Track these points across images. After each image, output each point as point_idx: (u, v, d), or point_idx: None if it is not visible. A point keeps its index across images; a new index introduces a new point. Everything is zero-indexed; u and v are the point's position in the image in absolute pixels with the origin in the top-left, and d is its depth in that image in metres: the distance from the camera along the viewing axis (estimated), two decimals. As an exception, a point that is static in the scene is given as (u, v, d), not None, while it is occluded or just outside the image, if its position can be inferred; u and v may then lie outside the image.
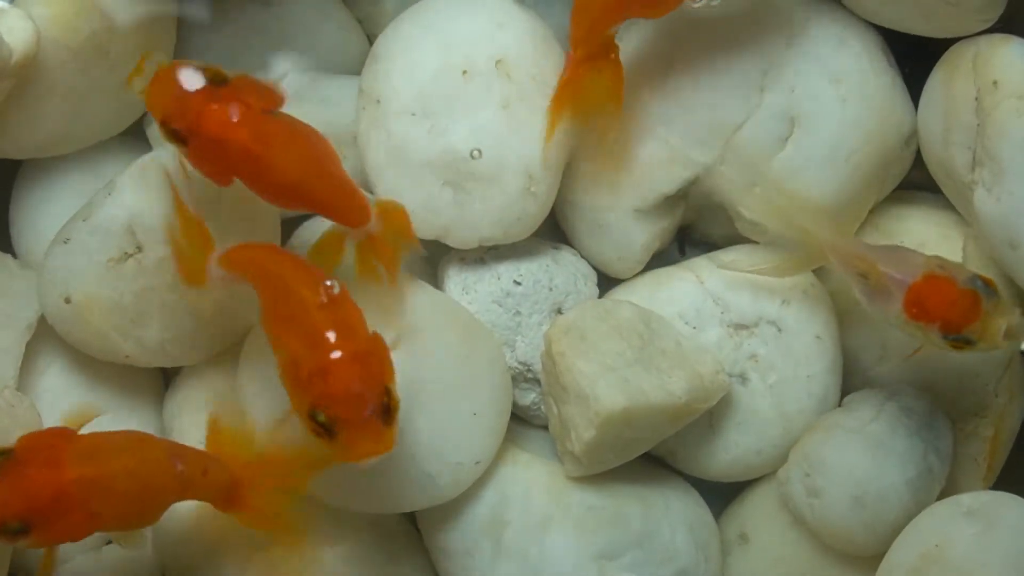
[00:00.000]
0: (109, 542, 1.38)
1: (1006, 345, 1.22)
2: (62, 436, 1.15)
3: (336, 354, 1.12)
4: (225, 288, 1.24)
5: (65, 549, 1.33)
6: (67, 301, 1.32)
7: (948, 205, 1.40)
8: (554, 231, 1.45)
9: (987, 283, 1.22)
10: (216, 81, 1.18)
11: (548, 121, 1.33)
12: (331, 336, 1.12)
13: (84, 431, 1.18)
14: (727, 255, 1.39)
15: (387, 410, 1.12)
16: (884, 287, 1.24)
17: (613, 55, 1.31)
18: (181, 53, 1.45)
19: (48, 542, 1.14)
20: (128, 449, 1.16)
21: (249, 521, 1.23)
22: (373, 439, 1.11)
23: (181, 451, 1.19)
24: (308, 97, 1.43)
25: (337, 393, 1.11)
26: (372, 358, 1.13)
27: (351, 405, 1.11)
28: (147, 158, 1.34)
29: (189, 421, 1.37)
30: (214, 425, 1.24)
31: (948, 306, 1.21)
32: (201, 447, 1.23)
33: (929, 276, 1.22)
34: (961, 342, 1.22)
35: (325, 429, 1.11)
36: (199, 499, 1.21)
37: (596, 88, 1.31)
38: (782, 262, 1.33)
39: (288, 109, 1.41)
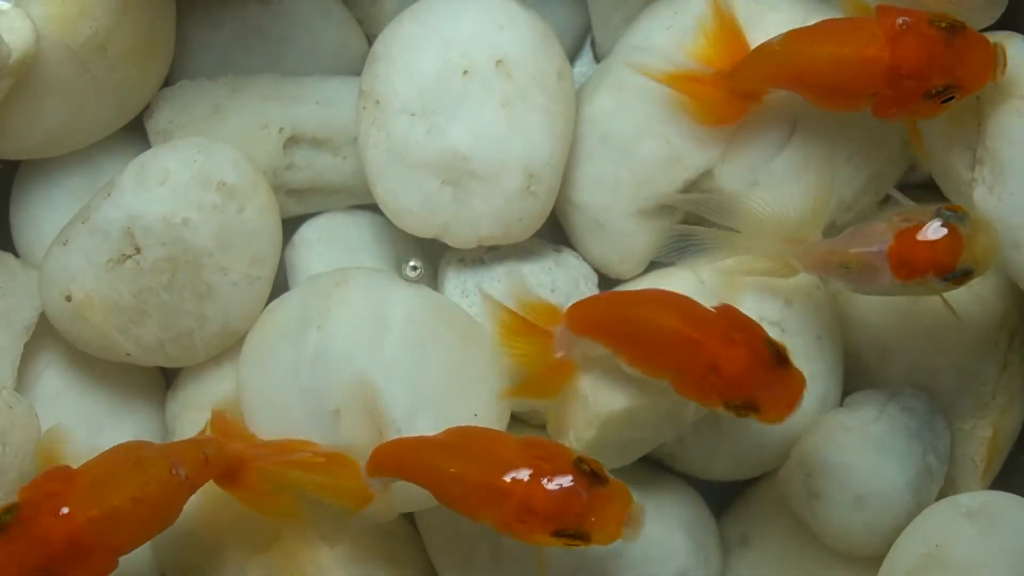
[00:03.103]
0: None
1: (996, 261, 1.20)
2: (61, 479, 1.15)
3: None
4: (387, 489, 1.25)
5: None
6: (68, 299, 1.32)
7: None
8: (554, 232, 1.45)
9: (955, 210, 1.20)
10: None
11: (662, 74, 1.32)
12: None
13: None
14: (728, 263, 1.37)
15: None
16: (867, 266, 1.22)
17: (750, 104, 1.31)
18: (181, 52, 1.45)
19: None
20: (129, 474, 1.16)
21: (248, 500, 1.24)
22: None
23: (177, 453, 1.19)
24: (306, 99, 1.43)
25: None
26: None
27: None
28: (146, 156, 1.35)
29: (191, 421, 1.38)
30: (219, 418, 1.26)
31: (931, 252, 1.19)
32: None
33: (900, 235, 1.20)
34: (961, 276, 1.19)
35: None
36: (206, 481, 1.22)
37: (712, 105, 1.32)
38: (765, 275, 1.32)
39: (288, 110, 1.42)
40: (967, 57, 1.22)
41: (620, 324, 1.23)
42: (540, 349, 1.26)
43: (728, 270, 1.33)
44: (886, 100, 1.25)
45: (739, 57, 1.31)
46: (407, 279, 1.39)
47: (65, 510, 1.12)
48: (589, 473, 1.15)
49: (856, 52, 1.23)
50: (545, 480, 1.14)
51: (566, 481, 1.14)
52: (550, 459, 1.16)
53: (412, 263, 1.38)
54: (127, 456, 1.19)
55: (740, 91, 1.31)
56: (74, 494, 1.13)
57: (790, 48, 1.27)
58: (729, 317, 1.20)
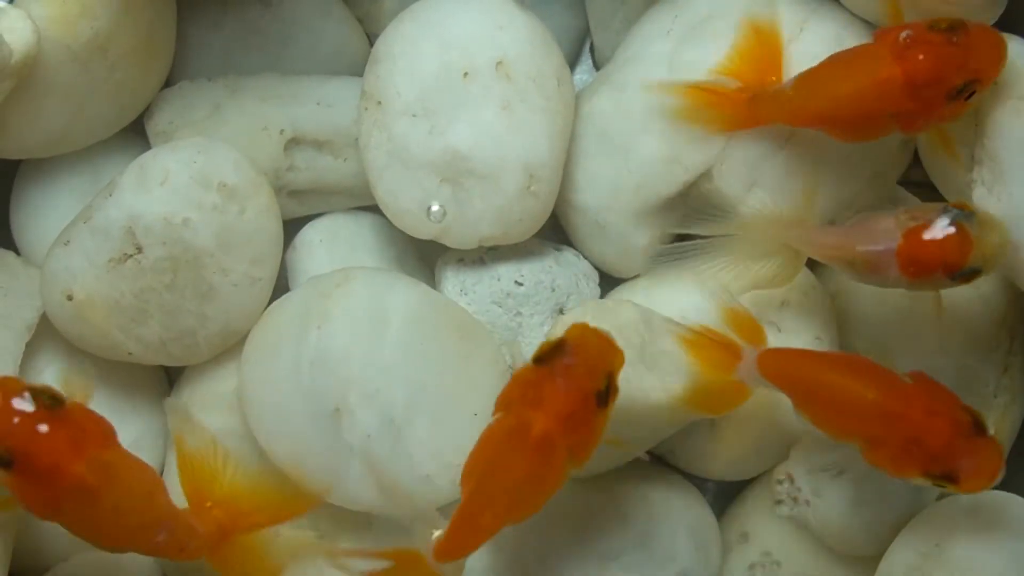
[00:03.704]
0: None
1: (1005, 257, 1.20)
2: (103, 433, 1.14)
3: None
4: None
5: (63, 548, 1.34)
6: (69, 299, 1.32)
7: (945, 203, 1.39)
8: (556, 232, 1.45)
9: (962, 208, 1.20)
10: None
11: (675, 86, 1.32)
12: None
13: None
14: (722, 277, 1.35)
15: None
16: (875, 264, 1.22)
17: (763, 124, 1.31)
18: (181, 53, 1.45)
19: (13, 489, 1.12)
20: (135, 492, 1.15)
21: (229, 571, 1.24)
22: None
23: (173, 522, 1.17)
24: (307, 99, 1.43)
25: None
26: None
27: None
28: (146, 156, 1.35)
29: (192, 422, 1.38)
30: (181, 450, 1.23)
31: (940, 251, 1.18)
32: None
33: (908, 234, 1.20)
34: (970, 275, 1.19)
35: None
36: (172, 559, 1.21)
37: (724, 111, 1.31)
38: (769, 277, 1.32)
39: (288, 111, 1.42)
40: (977, 49, 1.22)
41: (817, 387, 1.21)
42: (722, 363, 1.25)
43: (729, 279, 1.32)
44: (912, 114, 1.24)
45: (770, 75, 1.30)
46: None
47: (78, 450, 1.11)
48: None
49: (870, 78, 1.23)
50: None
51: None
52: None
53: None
54: (150, 482, 1.18)
55: (753, 113, 1.30)
56: (98, 451, 1.12)
57: (804, 93, 1.26)
58: (928, 388, 1.20)
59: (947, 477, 1.18)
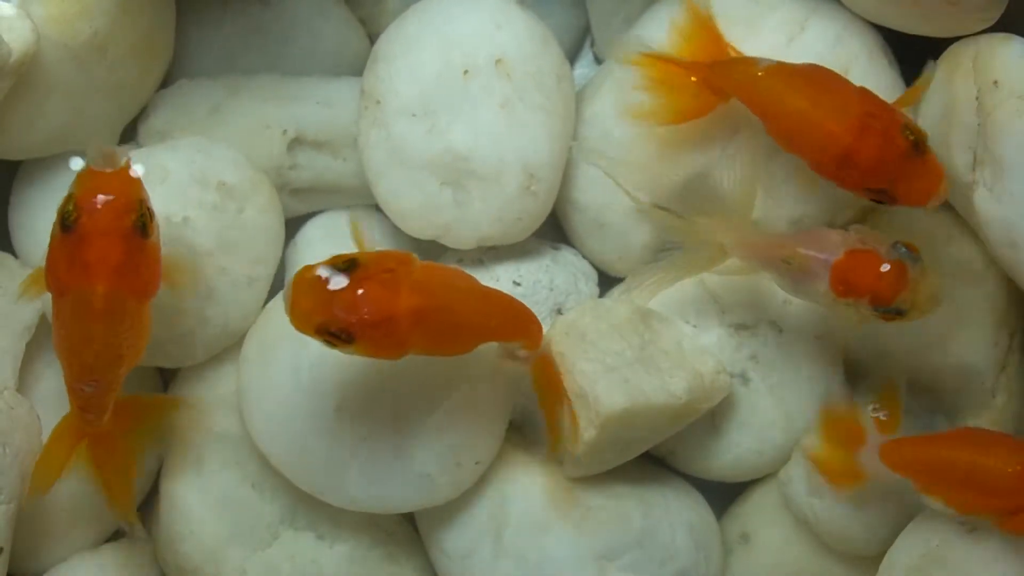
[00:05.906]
0: (108, 540, 1.38)
1: (933, 311, 1.20)
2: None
3: None
4: None
5: (61, 550, 1.34)
6: (68, 300, 1.32)
7: (946, 204, 1.39)
8: (555, 231, 1.45)
9: (910, 249, 1.19)
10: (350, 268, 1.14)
11: (636, 55, 1.31)
12: None
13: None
14: (632, 283, 1.34)
15: None
16: (807, 268, 1.21)
17: (718, 101, 1.30)
18: (181, 52, 1.45)
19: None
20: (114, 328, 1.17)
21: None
22: None
23: (95, 379, 1.20)
24: (307, 98, 1.43)
25: None
26: None
27: None
28: (146, 155, 1.35)
29: (190, 420, 1.38)
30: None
31: (875, 280, 1.18)
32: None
33: (851, 252, 1.19)
34: (892, 314, 1.19)
35: None
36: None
37: (683, 95, 1.30)
38: (685, 268, 1.30)
39: (288, 110, 1.41)
40: (914, 177, 1.22)
41: (949, 472, 1.24)
42: (846, 442, 1.30)
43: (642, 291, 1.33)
44: (825, 171, 1.24)
45: (716, 54, 1.30)
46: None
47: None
48: None
49: (823, 119, 1.22)
50: None
51: None
52: None
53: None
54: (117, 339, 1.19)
55: (712, 85, 1.29)
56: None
57: (768, 83, 1.25)
58: None
59: None
